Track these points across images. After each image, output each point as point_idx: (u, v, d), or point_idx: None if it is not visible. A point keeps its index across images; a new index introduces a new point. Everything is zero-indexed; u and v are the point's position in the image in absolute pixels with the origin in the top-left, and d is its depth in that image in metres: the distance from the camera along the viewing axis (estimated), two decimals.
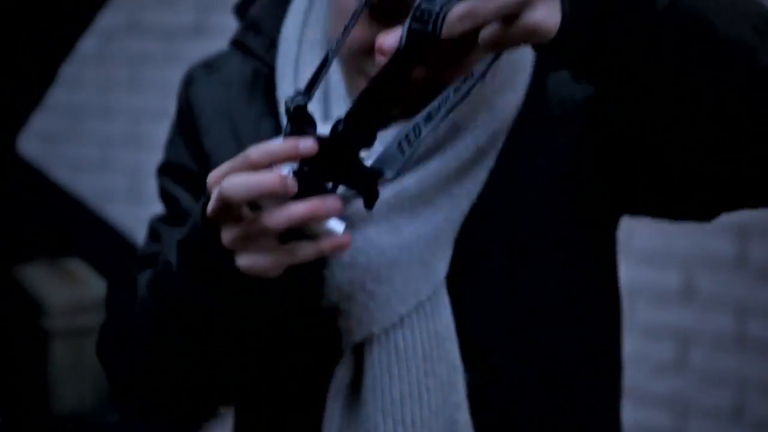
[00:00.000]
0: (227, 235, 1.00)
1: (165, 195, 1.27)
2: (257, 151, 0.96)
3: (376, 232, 1.14)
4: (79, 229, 3.15)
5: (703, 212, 1.16)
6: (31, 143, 3.58)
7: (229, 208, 0.97)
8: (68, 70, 3.01)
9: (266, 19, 1.26)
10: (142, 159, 3.74)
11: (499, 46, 0.91)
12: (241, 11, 1.32)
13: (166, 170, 1.28)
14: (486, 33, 0.90)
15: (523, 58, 1.19)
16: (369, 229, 1.14)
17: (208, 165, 1.17)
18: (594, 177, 1.19)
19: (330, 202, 0.97)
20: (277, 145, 0.96)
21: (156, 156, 1.30)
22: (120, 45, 4.08)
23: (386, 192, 1.12)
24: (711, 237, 3.02)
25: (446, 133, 1.14)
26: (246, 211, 0.97)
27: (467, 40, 0.92)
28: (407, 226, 1.15)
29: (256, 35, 1.25)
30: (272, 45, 1.24)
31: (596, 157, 1.18)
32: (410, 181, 1.14)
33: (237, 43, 1.27)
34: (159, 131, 1.56)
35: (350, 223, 1.14)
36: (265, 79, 1.24)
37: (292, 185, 0.96)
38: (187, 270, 1.05)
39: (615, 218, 1.25)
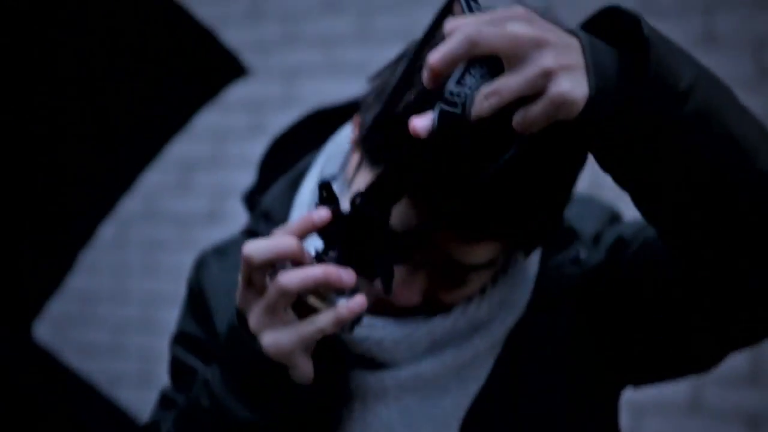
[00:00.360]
0: (253, 317, 1.03)
1: (179, 365, 1.27)
2: (280, 229, 1.02)
3: (387, 411, 1.16)
4: (90, 415, 3.14)
5: (705, 358, 1.17)
6: (43, 327, 3.60)
7: (251, 277, 1.01)
8: (84, 256, 3.06)
9: (277, 207, 1.29)
10: (154, 344, 3.76)
11: (533, 124, 0.93)
12: (249, 201, 1.37)
13: (180, 341, 1.29)
14: (518, 115, 0.92)
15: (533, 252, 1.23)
16: (380, 407, 1.16)
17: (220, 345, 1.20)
18: (594, 350, 1.21)
19: (344, 271, 1.00)
20: (295, 219, 1.02)
21: (168, 340, 1.32)
22: (136, 231, 4.14)
23: (401, 374, 1.16)
24: (720, 426, 3.00)
25: (465, 331, 1.17)
26: (267, 281, 1.01)
27: (501, 129, 0.95)
28: (417, 408, 1.17)
29: (267, 223, 1.28)
30: None
31: (596, 330, 1.21)
32: (425, 366, 1.16)
33: (249, 232, 1.31)
34: (172, 316, 1.59)
35: (362, 402, 1.17)
36: None
37: (309, 252, 1.00)
38: (224, 374, 1.07)
39: (617, 392, 1.26)
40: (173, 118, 2.17)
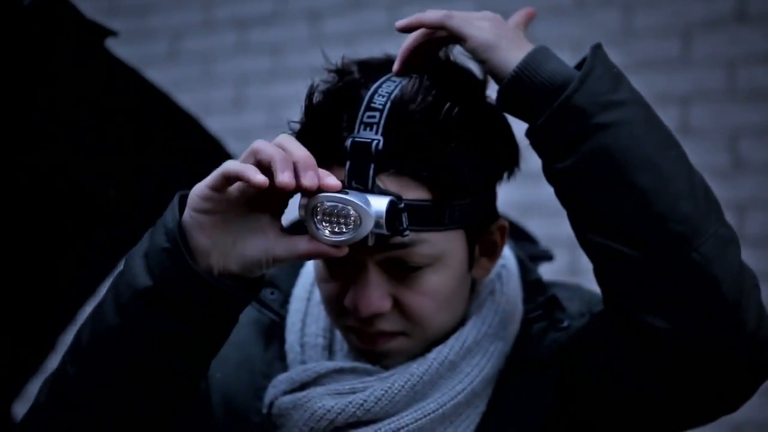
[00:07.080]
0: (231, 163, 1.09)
1: None
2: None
3: None
4: None
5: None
6: (21, 408, 3.57)
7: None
8: (64, 337, 3.06)
9: (282, 277, 1.37)
10: None
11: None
12: None
13: None
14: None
15: (514, 310, 1.28)
16: None
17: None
18: (571, 417, 1.25)
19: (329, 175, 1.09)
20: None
21: None
22: None
23: (383, 430, 1.19)
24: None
25: (443, 371, 1.21)
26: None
27: None
28: None
29: (272, 292, 1.35)
30: (285, 300, 1.35)
31: (572, 398, 1.24)
32: (407, 419, 1.19)
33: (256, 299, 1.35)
34: None
35: None
36: (281, 329, 1.34)
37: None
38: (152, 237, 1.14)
39: None
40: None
